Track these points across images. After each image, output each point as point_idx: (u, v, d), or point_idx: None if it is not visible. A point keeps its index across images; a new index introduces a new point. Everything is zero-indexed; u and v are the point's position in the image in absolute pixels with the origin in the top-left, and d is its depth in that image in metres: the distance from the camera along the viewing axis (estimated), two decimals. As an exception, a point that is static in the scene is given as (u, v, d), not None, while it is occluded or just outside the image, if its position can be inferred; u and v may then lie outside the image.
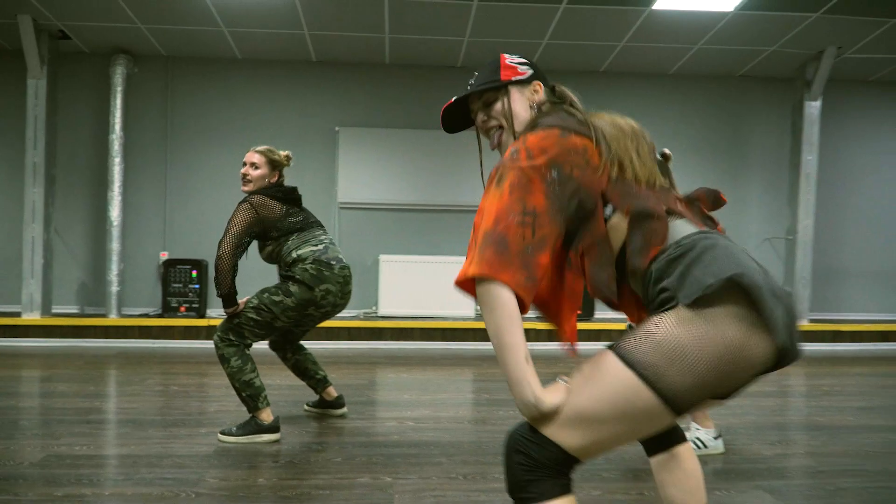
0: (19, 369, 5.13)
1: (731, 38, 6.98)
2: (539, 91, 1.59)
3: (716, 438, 3.12)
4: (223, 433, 3.18)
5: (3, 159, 7.56)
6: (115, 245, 7.27)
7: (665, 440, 1.58)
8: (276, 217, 3.35)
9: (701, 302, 1.20)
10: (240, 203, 3.37)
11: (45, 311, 7.09)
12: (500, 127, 1.56)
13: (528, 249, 1.22)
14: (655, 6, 6.24)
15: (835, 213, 8.26)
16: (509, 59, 1.61)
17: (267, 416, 3.19)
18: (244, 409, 3.63)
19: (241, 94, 7.77)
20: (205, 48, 7.45)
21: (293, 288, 3.25)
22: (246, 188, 3.49)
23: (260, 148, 3.56)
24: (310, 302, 3.26)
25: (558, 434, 1.21)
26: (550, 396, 1.22)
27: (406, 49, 7.40)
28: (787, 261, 7.95)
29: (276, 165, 3.55)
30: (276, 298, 3.25)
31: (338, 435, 3.35)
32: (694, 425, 3.15)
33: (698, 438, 3.10)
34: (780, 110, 8.15)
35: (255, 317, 3.24)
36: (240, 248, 3.29)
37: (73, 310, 7.62)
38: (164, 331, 6.86)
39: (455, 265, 7.54)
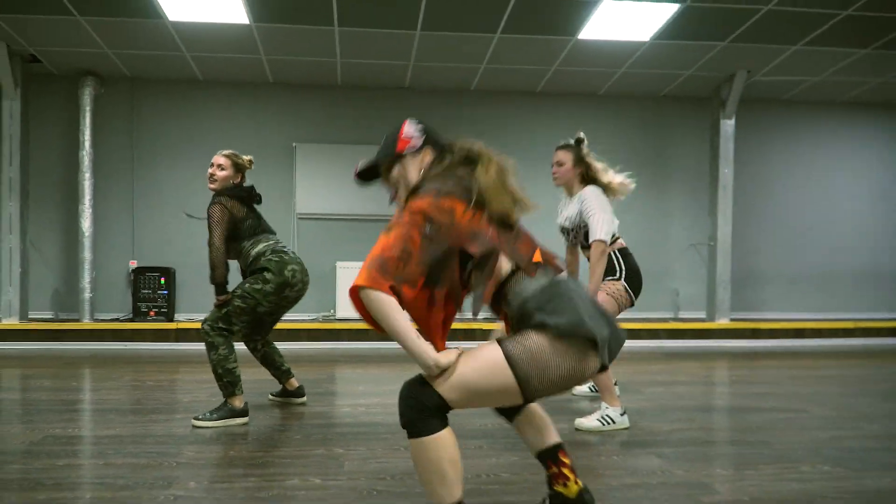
0: (0, 369, 5.63)
1: (651, 63, 7.75)
2: (427, 156, 2.04)
3: (622, 415, 3.65)
4: (197, 419, 3.73)
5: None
6: (87, 254, 7.78)
7: (519, 409, 2.16)
8: (240, 217, 3.88)
9: (559, 333, 1.80)
10: (211, 203, 3.85)
11: (23, 316, 7.58)
12: (396, 190, 2.06)
13: (398, 279, 1.78)
14: (580, 35, 6.97)
15: (751, 221, 9.11)
16: (406, 130, 2.05)
17: (239, 402, 3.77)
18: (215, 400, 4.19)
19: (203, 114, 8.32)
20: (168, 71, 7.99)
21: (267, 275, 3.79)
22: (213, 186, 3.96)
23: (226, 152, 4.05)
24: (284, 284, 3.81)
25: (443, 389, 1.80)
26: (444, 358, 1.80)
27: (357, 72, 8.03)
28: (710, 265, 8.73)
29: (239, 168, 4.04)
30: (257, 286, 3.78)
31: (298, 418, 3.94)
32: (603, 404, 3.65)
33: (607, 415, 3.61)
34: (699, 127, 8.97)
35: (241, 304, 3.77)
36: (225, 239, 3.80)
37: (49, 315, 8.09)
38: (136, 333, 7.39)
39: (405, 270, 8.18)
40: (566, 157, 3.79)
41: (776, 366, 6.28)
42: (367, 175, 2.17)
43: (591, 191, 3.75)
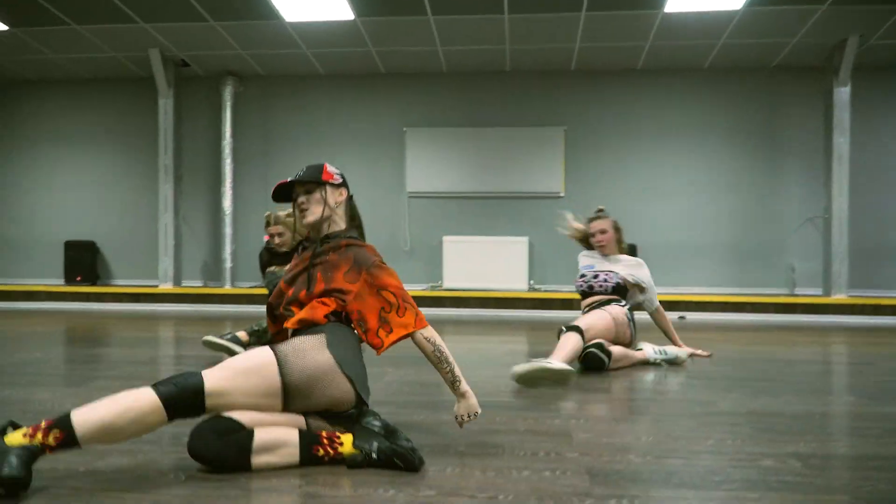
0: (167, 327, 6.76)
1: (751, 32, 7.62)
2: (343, 195, 2.29)
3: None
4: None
5: (140, 163, 9.47)
6: (228, 230, 8.95)
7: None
8: None
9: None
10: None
11: (177, 282, 8.89)
12: (306, 209, 2.21)
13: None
14: (667, 9, 7.06)
15: (870, 193, 8.61)
16: (329, 168, 2.26)
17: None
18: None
19: (324, 104, 9.27)
20: (294, 67, 8.99)
21: None
22: (285, 249, 4.55)
23: (278, 218, 4.51)
24: None
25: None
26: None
27: (458, 59, 8.58)
28: (825, 238, 8.39)
29: (289, 226, 4.56)
30: None
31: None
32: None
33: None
34: (811, 98, 8.62)
35: None
36: None
37: (198, 283, 9.39)
38: (266, 298, 8.42)
39: (508, 245, 8.68)
40: (608, 225, 4.27)
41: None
42: (280, 193, 2.32)
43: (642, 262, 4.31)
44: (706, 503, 1.67)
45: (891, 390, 3.23)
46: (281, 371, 1.93)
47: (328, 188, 2.25)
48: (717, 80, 8.82)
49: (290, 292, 2.19)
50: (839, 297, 8.13)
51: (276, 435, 1.90)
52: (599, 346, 3.74)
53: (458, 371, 2.14)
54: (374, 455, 1.92)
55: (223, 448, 1.83)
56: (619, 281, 4.14)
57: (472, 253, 8.76)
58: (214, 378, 1.85)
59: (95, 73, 9.34)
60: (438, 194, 9.06)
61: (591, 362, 3.73)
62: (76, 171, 9.61)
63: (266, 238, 4.74)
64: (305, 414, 2.03)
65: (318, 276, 2.17)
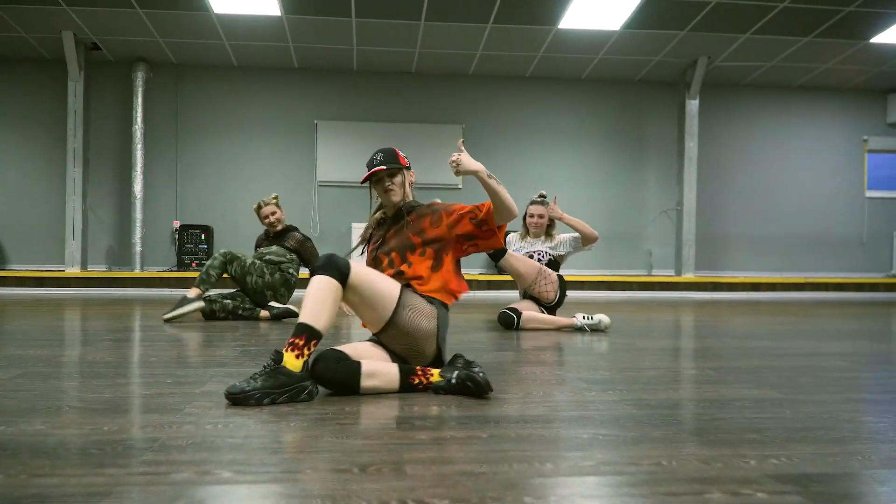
0: (67, 311, 6.90)
1: (624, 50, 8.99)
2: (413, 175, 2.85)
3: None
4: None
5: (47, 147, 9.33)
6: (138, 214, 9.07)
7: None
8: None
9: None
10: (303, 237, 5.29)
11: (84, 266, 8.88)
12: (393, 190, 2.72)
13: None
14: (560, 25, 8.21)
15: (715, 189, 10.36)
16: (402, 154, 2.77)
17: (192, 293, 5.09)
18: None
19: (237, 95, 9.63)
20: (208, 57, 9.28)
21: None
22: (278, 228, 5.28)
23: (271, 200, 5.29)
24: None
25: None
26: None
27: (370, 58, 9.31)
28: (677, 227, 9.96)
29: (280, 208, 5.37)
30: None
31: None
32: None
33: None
34: (669, 108, 10.25)
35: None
36: None
37: (102, 268, 9.38)
38: (181, 281, 8.66)
39: (411, 230, 9.47)
40: (545, 211, 5.06)
41: (728, 313, 7.39)
42: (378, 171, 2.75)
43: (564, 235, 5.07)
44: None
45: (748, 334, 4.41)
46: (395, 309, 2.45)
47: (405, 172, 2.79)
48: (593, 89, 10.19)
49: (394, 255, 2.71)
50: (688, 276, 9.71)
51: (380, 366, 2.34)
52: (513, 309, 4.52)
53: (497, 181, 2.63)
54: (453, 381, 2.32)
55: (340, 370, 2.25)
56: (551, 257, 5.08)
57: (379, 238, 9.48)
58: (357, 270, 2.37)
59: (2, 53, 9.09)
60: (347, 184, 9.71)
61: (502, 318, 4.52)
62: (-31, 151, 9.28)
63: (267, 220, 5.28)
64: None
65: (409, 235, 2.70)
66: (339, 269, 2.31)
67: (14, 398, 2.19)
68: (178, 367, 2.84)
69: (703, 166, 10.15)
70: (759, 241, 10.49)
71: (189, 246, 9.03)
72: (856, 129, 10.63)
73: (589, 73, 9.93)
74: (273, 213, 5.27)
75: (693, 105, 9.72)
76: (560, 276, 4.96)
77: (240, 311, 4.98)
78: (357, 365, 2.28)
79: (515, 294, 8.48)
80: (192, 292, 4.85)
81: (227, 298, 5.03)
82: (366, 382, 2.28)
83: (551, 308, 4.79)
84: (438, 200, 2.91)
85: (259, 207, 5.28)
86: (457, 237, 2.70)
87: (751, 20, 8.04)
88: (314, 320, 2.24)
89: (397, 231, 2.74)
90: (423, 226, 2.71)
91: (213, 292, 5.21)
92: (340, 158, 9.69)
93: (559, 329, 4.53)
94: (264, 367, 2.20)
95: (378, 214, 2.90)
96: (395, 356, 2.56)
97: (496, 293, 8.81)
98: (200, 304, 4.85)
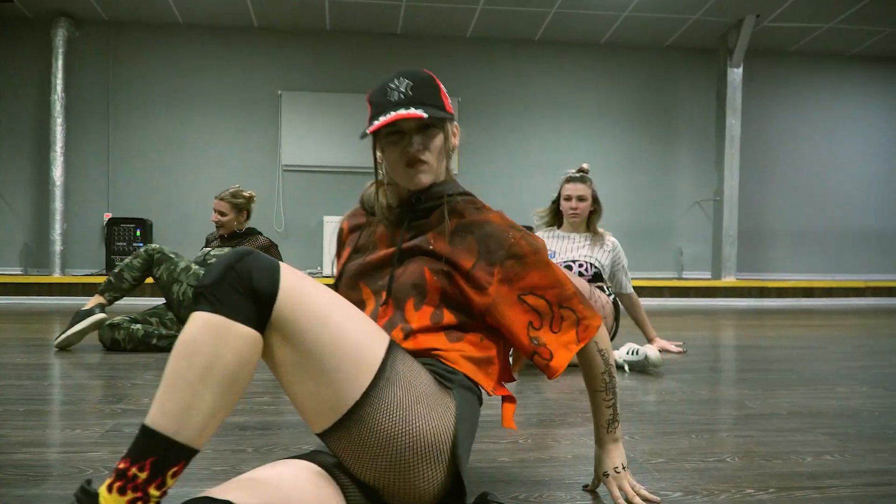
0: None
1: (656, 5, 7.37)
2: (457, 134, 1.44)
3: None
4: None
5: (-56, 120, 7.59)
6: (58, 205, 7.36)
7: None
8: None
9: None
10: (263, 239, 4.02)
11: (-12, 269, 7.15)
12: (426, 162, 1.33)
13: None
14: (581, -30, 6.59)
15: (759, 176, 8.74)
16: (443, 89, 1.39)
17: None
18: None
19: (184, 59, 7.92)
20: (147, 14, 7.58)
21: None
22: (221, 232, 4.01)
23: (223, 194, 3.96)
24: None
25: None
26: None
27: (347, 14, 7.63)
28: (715, 221, 8.36)
29: (240, 208, 3.98)
30: None
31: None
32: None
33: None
34: (705, 78, 8.61)
35: None
36: None
37: (16, 271, 7.66)
38: (108, 287, 6.95)
39: (396, 225, 7.82)
40: (588, 193, 3.48)
41: (786, 324, 5.92)
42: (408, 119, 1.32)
43: (618, 243, 3.60)
44: None
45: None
46: (371, 384, 1.11)
47: (449, 127, 1.39)
48: (613, 57, 8.55)
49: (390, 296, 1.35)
50: (728, 280, 8.11)
51: None
52: None
53: (618, 405, 1.41)
54: None
55: None
56: (598, 270, 3.44)
57: (357, 235, 7.82)
58: (292, 287, 1.07)
59: None
60: (318, 168, 8.02)
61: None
62: None
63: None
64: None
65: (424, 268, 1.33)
66: (253, 290, 1.03)
67: None
68: None
69: (746, 149, 8.54)
70: (810, 238, 8.88)
71: (121, 244, 7.30)
72: (922, 108, 9.07)
73: (609, 37, 8.28)
74: (222, 214, 3.96)
75: (736, 74, 8.08)
76: (615, 302, 3.41)
77: (153, 341, 3.45)
78: None
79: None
80: (93, 302, 3.44)
81: (136, 322, 3.51)
82: None
83: None
84: (502, 216, 1.39)
85: (216, 197, 4.03)
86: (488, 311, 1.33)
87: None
88: (179, 421, 0.98)
89: (412, 247, 1.36)
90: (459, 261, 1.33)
91: (116, 317, 3.57)
92: (309, 138, 7.99)
93: None
94: None
95: (381, 199, 1.45)
96: (357, 491, 1.16)
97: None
98: (102, 315, 3.40)
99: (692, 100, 8.66)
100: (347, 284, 1.42)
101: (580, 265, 3.38)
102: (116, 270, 3.51)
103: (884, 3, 7.18)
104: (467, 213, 1.38)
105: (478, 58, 8.33)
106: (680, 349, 3.62)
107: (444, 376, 1.24)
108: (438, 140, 1.35)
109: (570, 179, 3.51)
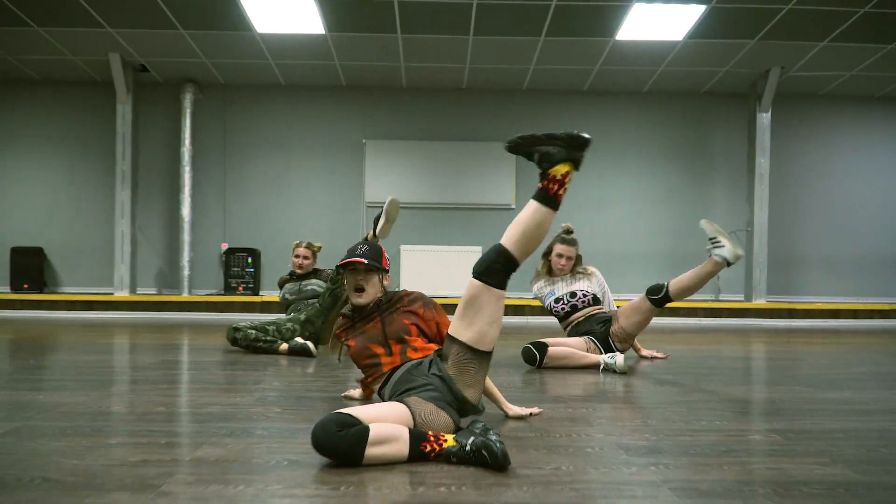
0: (116, 335, 6.74)
1: (688, 61, 8.43)
2: (388, 280, 2.89)
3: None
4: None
5: (97, 169, 9.35)
6: (186, 237, 8.97)
7: None
8: None
9: None
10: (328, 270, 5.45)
11: (132, 290, 8.81)
12: (364, 289, 2.71)
13: None
14: (618, 37, 7.74)
15: (788, 209, 9.63)
16: (385, 254, 2.84)
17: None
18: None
19: (285, 115, 9.46)
20: (255, 77, 9.15)
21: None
22: (300, 271, 5.37)
23: (305, 244, 5.44)
24: None
25: None
26: None
27: (419, 75, 9.00)
28: (747, 249, 9.29)
29: (315, 255, 5.49)
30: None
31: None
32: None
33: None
34: (738, 122, 9.58)
35: None
36: None
37: (152, 291, 9.31)
38: (227, 305, 8.50)
39: (462, 254, 9.10)
40: (574, 252, 4.64)
41: (812, 341, 6.72)
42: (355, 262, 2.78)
43: (598, 272, 4.76)
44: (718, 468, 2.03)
45: (825, 379, 3.84)
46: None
47: (381, 275, 2.80)
48: (655, 103, 9.63)
49: (391, 343, 2.66)
50: (759, 302, 9.03)
51: (390, 430, 2.03)
52: (538, 344, 4.11)
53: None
54: (467, 447, 2.02)
55: (342, 438, 1.95)
56: (594, 293, 4.61)
57: (428, 262, 9.15)
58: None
59: (50, 75, 9.15)
60: (396, 204, 9.38)
61: (525, 354, 4.12)
62: (26, 175, 9.36)
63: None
64: None
65: (403, 321, 2.71)
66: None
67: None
68: (180, 421, 2.62)
69: (774, 183, 9.46)
70: (836, 263, 9.71)
71: (236, 269, 8.87)
72: (945, 141, 9.76)
73: (650, 86, 9.39)
74: (306, 259, 5.40)
75: (765, 118, 9.06)
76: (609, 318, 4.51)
77: (259, 344, 4.75)
78: (364, 432, 1.98)
79: (546, 321, 8.00)
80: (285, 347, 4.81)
81: (252, 329, 4.82)
82: (371, 451, 1.97)
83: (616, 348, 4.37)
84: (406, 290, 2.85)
85: (298, 245, 5.43)
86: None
87: (827, 27, 7.40)
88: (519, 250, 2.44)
89: (383, 319, 2.70)
90: (417, 310, 2.73)
91: (242, 322, 4.96)
92: (389, 178, 9.40)
93: (585, 367, 4.09)
94: None
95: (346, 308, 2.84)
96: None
97: (526, 319, 8.32)
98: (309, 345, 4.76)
99: (726, 140, 9.64)
100: (360, 352, 2.70)
101: (582, 291, 4.55)
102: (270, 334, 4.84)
103: (893, 54, 8.03)
104: (400, 294, 2.80)
105: (534, 107, 9.55)
106: (664, 356, 4.71)
107: (437, 402, 2.38)
108: (375, 278, 2.73)
109: (562, 241, 4.67)
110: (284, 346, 4.74)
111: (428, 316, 2.72)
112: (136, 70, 8.78)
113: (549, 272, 4.71)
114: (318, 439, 1.94)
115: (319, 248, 5.50)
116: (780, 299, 9.44)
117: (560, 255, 4.61)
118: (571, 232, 4.68)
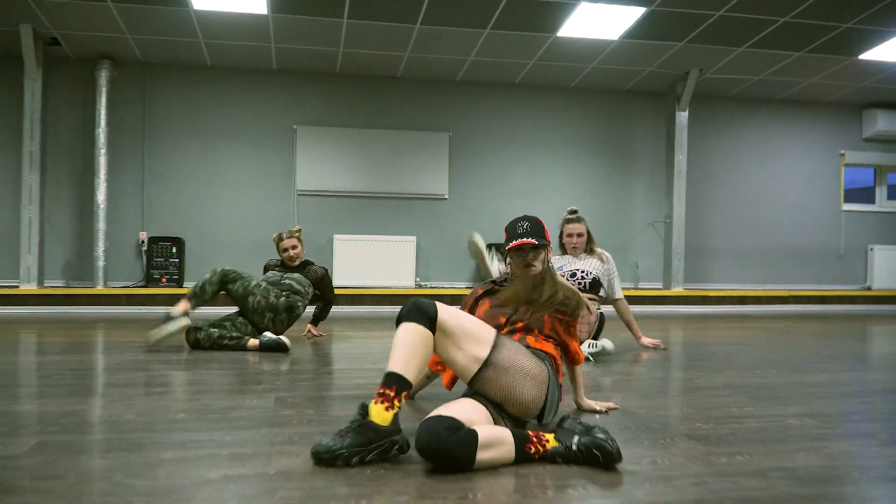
0: (20, 333, 6.18)
1: (618, 59, 8.76)
2: (552, 251, 2.85)
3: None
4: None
5: (1, 151, 8.47)
6: (101, 225, 8.33)
7: None
8: None
9: None
10: (319, 269, 5.24)
11: (40, 283, 8.08)
12: (534, 266, 2.66)
13: None
14: (559, 33, 7.91)
15: (703, 202, 10.25)
16: (546, 226, 2.80)
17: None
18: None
19: (210, 98, 8.97)
20: (179, 56, 8.62)
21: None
22: (294, 263, 5.19)
23: (294, 233, 5.22)
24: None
25: None
26: None
27: (355, 61, 8.81)
28: (666, 240, 9.81)
29: (302, 242, 5.30)
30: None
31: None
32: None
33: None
34: (657, 119, 10.07)
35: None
36: None
37: (60, 283, 8.58)
38: (150, 298, 7.98)
39: (395, 243, 9.04)
40: (583, 229, 4.78)
41: (724, 326, 7.27)
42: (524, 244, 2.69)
43: (611, 258, 4.87)
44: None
45: (793, 363, 4.18)
46: (492, 348, 2.23)
47: (547, 249, 2.78)
48: (581, 99, 9.94)
49: (519, 326, 2.57)
50: (677, 290, 9.57)
51: (496, 433, 2.00)
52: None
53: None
54: (573, 448, 2.01)
55: (455, 443, 1.89)
56: (596, 277, 4.73)
57: (362, 251, 9.01)
58: (445, 311, 2.21)
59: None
60: (328, 193, 9.18)
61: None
62: None
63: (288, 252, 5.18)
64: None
65: (544, 318, 2.58)
66: (426, 314, 2.17)
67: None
68: (178, 428, 2.36)
69: (692, 179, 10.03)
70: (744, 254, 10.44)
71: (159, 259, 8.34)
72: (833, 143, 10.71)
73: (578, 83, 9.68)
74: (294, 248, 5.17)
75: (683, 117, 9.58)
76: (601, 314, 4.58)
77: (224, 342, 4.54)
78: (473, 435, 1.93)
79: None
80: (180, 308, 4.48)
81: (212, 327, 4.61)
82: (482, 455, 1.93)
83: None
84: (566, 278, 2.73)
85: (280, 239, 5.17)
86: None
87: (749, 34, 7.91)
88: (404, 370, 2.08)
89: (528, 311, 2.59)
90: (557, 327, 2.61)
91: (199, 319, 4.70)
92: (321, 166, 9.15)
93: None
94: (351, 422, 2.02)
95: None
96: (492, 408, 2.22)
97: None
98: (187, 321, 4.48)
99: (646, 137, 10.12)
100: (490, 313, 2.66)
101: (582, 272, 4.66)
102: (199, 284, 4.55)
103: (804, 60, 8.71)
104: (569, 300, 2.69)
105: (467, 98, 9.60)
106: (661, 345, 4.91)
107: (536, 352, 2.44)
108: (542, 256, 2.69)
109: (568, 221, 4.80)
110: (254, 341, 4.53)
111: (567, 335, 2.65)
112: (46, 43, 8.02)
113: (564, 252, 4.83)
114: (429, 444, 1.88)
115: (300, 230, 5.27)
116: (694, 287, 10.03)
117: (570, 235, 4.74)
118: (576, 211, 4.80)
